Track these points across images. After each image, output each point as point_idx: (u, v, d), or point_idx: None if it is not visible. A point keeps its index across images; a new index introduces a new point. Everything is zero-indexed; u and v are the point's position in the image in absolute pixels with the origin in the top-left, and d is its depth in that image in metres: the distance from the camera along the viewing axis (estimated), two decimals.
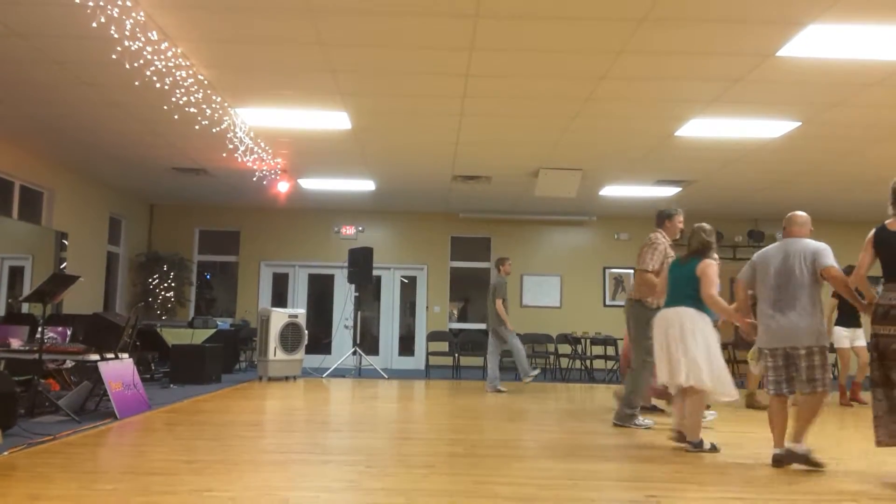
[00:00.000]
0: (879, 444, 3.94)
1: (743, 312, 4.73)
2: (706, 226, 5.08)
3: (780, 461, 4.27)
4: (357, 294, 11.12)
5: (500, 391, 8.61)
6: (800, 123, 7.08)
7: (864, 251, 4.16)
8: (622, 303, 12.27)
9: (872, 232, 4.15)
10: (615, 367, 10.98)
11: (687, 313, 4.84)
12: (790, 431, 4.28)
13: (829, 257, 4.29)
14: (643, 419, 5.85)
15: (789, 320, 4.28)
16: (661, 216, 5.99)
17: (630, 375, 5.92)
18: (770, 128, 7.25)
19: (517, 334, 8.94)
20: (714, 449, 4.78)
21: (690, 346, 4.74)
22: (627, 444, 5.03)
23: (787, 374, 4.34)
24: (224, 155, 8.62)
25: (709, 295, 4.81)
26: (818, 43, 5.14)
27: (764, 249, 4.61)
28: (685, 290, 4.93)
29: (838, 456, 4.70)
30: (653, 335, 5.10)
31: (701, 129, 7.32)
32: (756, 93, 6.25)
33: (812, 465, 4.17)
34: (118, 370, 5.94)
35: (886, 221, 4.10)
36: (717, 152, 8.29)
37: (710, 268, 4.88)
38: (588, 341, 11.13)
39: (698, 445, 4.77)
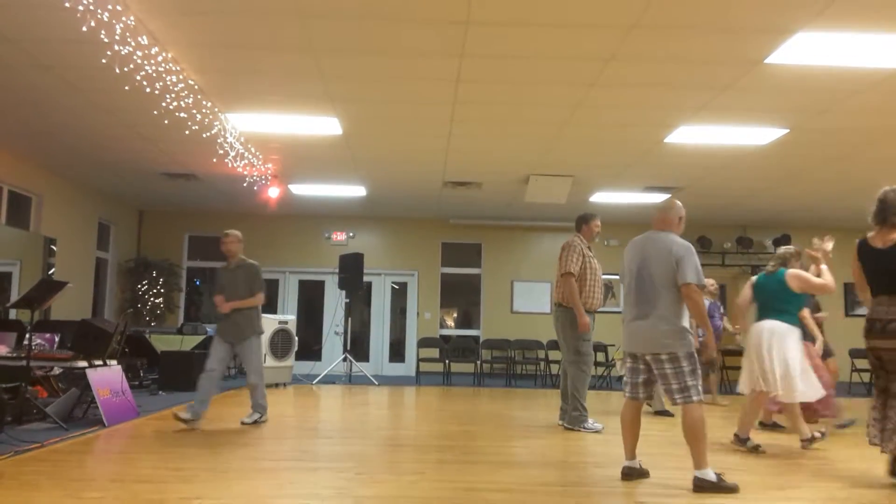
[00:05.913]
0: (872, 443, 4.09)
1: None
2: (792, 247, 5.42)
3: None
4: (348, 300, 11.09)
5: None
6: (788, 130, 7.14)
7: (853, 264, 4.26)
8: (614, 309, 12.32)
9: (856, 244, 4.25)
10: (605, 374, 11.01)
11: (774, 327, 5.04)
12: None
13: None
14: (593, 422, 6.01)
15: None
16: (579, 220, 6.49)
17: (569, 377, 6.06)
18: (758, 135, 7.31)
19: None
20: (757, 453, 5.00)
21: (782, 360, 4.97)
22: (618, 452, 5.03)
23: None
24: (214, 160, 8.59)
25: (821, 286, 5.05)
26: (806, 50, 5.19)
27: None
28: (773, 304, 5.13)
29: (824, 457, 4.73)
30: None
31: (690, 135, 7.36)
32: (744, 100, 6.30)
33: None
34: (106, 377, 5.89)
35: (868, 235, 4.18)
36: (706, 159, 8.34)
37: (801, 279, 5.09)
38: None
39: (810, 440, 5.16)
